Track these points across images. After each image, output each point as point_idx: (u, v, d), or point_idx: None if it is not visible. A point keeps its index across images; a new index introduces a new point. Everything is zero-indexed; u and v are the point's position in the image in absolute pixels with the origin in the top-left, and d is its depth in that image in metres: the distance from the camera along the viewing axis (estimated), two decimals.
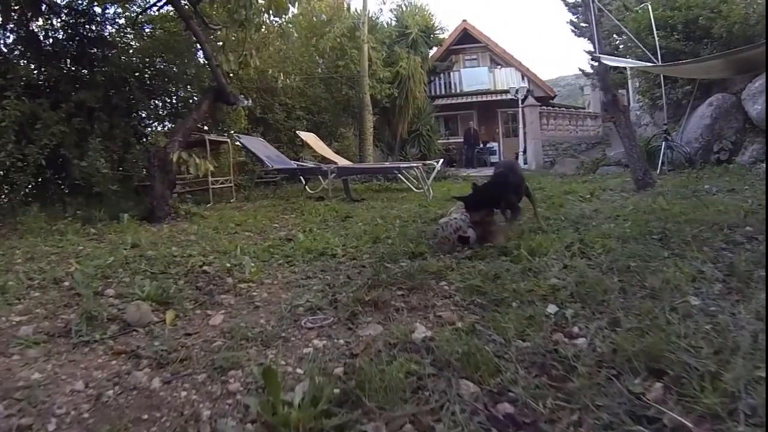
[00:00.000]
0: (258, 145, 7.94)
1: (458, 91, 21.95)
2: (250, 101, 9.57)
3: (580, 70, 27.66)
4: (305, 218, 4.91)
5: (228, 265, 3.00)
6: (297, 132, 8.90)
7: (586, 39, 26.01)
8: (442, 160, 8.18)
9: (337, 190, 7.93)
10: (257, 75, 9.31)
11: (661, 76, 8.60)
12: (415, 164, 6.55)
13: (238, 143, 7.73)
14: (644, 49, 7.15)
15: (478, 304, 2.10)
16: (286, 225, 4.64)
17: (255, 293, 2.50)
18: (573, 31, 26.74)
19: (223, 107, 9.30)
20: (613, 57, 6.76)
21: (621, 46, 24.52)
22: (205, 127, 9.49)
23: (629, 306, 1.98)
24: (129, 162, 7.92)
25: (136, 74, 9.06)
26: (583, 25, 25.88)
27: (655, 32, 8.41)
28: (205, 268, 2.97)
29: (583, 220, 3.97)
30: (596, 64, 5.85)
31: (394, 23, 17.73)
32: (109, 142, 7.89)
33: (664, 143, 8.24)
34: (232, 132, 10.82)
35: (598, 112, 16.23)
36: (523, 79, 21.11)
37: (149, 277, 2.88)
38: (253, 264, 2.96)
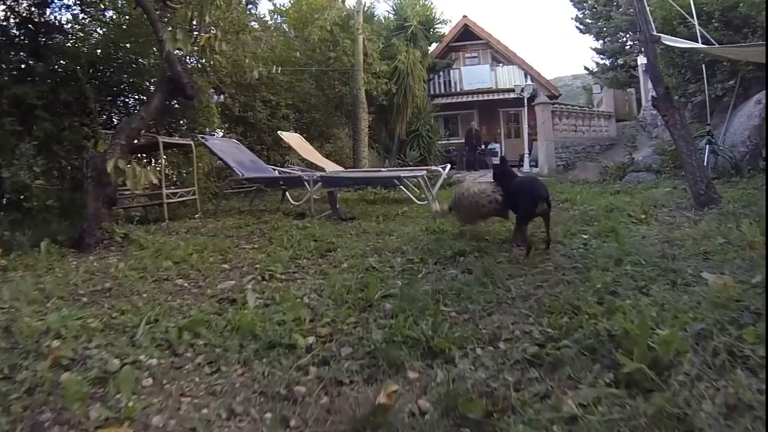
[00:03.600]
0: (229, 148, 6.66)
1: (458, 89, 20.84)
2: (223, 97, 8.25)
3: (586, 68, 26.57)
4: (271, 251, 3.63)
5: (108, 367, 1.73)
6: (279, 133, 7.61)
7: (592, 36, 24.90)
8: (449, 165, 6.92)
9: (323, 201, 6.67)
10: (232, 66, 8.00)
11: (704, 69, 7.36)
12: (418, 172, 5.27)
13: (208, 147, 6.42)
14: (706, 34, 5.88)
15: None
16: (242, 264, 3.35)
17: None
18: (578, 27, 25.60)
19: (194, 104, 8.03)
20: (673, 38, 5.53)
21: (629, 44, 23.46)
22: (184, 128, 8.23)
23: None
24: (79, 170, 6.64)
25: (100, 66, 7.81)
26: (589, 21, 24.73)
27: (695, 19, 7.15)
28: (66, 376, 1.69)
29: (670, 264, 2.71)
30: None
31: (392, 16, 16.47)
32: (58, 146, 6.66)
33: (707, 147, 6.99)
34: (211, 131, 9.60)
35: (611, 111, 15.02)
36: (526, 77, 19.94)
37: None
38: (153, 363, 1.71)
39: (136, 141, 6.15)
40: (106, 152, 4.95)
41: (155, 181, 4.59)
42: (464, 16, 21.37)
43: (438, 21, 16.79)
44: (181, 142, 6.36)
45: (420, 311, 2.10)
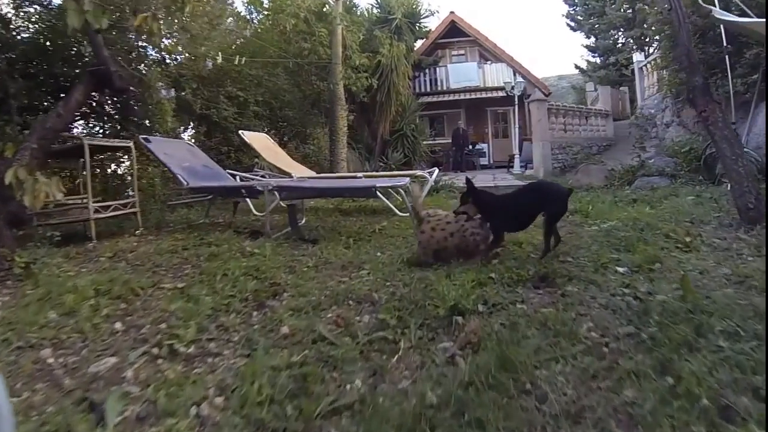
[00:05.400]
0: (179, 151, 5.61)
1: (445, 88, 19.96)
2: (173, 92, 7.16)
3: (577, 67, 25.94)
4: (194, 296, 2.59)
5: None
6: (240, 132, 6.57)
7: (583, 33, 24.18)
8: (436, 170, 5.97)
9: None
10: (187, 55, 6.97)
11: (727, 60, 6.46)
12: (399, 181, 4.28)
13: (150, 149, 5.34)
14: (747, 10, 4.97)
15: None
16: (144, 321, 2.32)
17: None
18: (569, 24, 24.89)
19: (146, 99, 6.96)
20: (726, 12, 4.64)
21: (621, 41, 22.78)
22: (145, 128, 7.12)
23: None
24: None
25: (45, 58, 6.75)
26: (580, 18, 23.99)
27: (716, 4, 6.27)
28: None
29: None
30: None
31: (375, 10, 15.50)
32: None
33: None
34: (175, 132, 8.54)
35: (608, 109, 14.21)
36: (515, 75, 19.10)
37: None
38: None
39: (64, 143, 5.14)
40: (14, 158, 3.94)
41: (58, 196, 3.54)
42: (451, 12, 20.52)
43: (424, 14, 15.80)
44: (115, 144, 5.30)
45: None
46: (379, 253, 3.36)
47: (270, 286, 2.65)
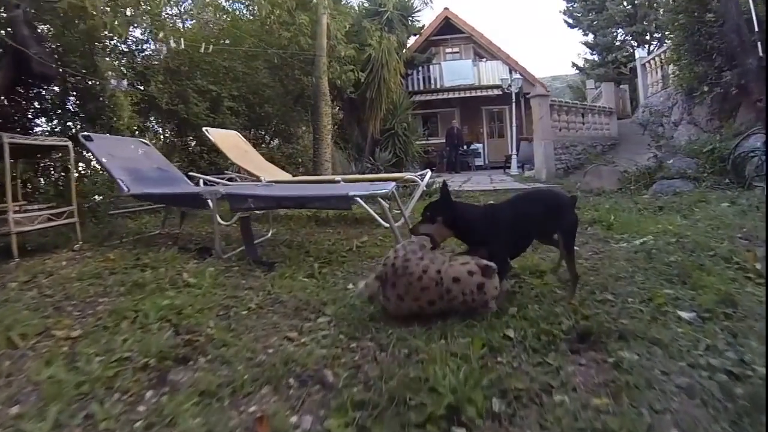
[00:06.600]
0: (130, 152, 4.79)
1: (438, 86, 19.27)
2: (125, 83, 6.30)
3: (574, 64, 25.28)
4: (90, 346, 1.79)
5: None
6: (205, 129, 5.73)
7: (581, 30, 23.49)
8: (429, 172, 5.18)
9: (264, 221, 4.92)
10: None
11: (759, 47, 5.70)
12: (380, 188, 3.45)
13: (91, 150, 4.51)
14: None
15: None
16: (5, 390, 1.52)
17: None
18: (566, 21, 24.19)
19: (97, 93, 6.10)
20: None
21: (620, 38, 22.10)
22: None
23: None
24: None
25: None
26: (579, 14, 23.28)
27: None
28: None
29: None
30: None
31: (365, 3, 14.74)
32: None
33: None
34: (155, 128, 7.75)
35: (611, 107, 13.45)
36: (511, 73, 18.39)
37: None
38: None
39: None
40: None
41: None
42: (445, 8, 19.88)
43: (417, 7, 15.06)
44: (47, 143, 4.45)
45: None
46: (351, 286, 2.54)
47: (185, 343, 1.83)
